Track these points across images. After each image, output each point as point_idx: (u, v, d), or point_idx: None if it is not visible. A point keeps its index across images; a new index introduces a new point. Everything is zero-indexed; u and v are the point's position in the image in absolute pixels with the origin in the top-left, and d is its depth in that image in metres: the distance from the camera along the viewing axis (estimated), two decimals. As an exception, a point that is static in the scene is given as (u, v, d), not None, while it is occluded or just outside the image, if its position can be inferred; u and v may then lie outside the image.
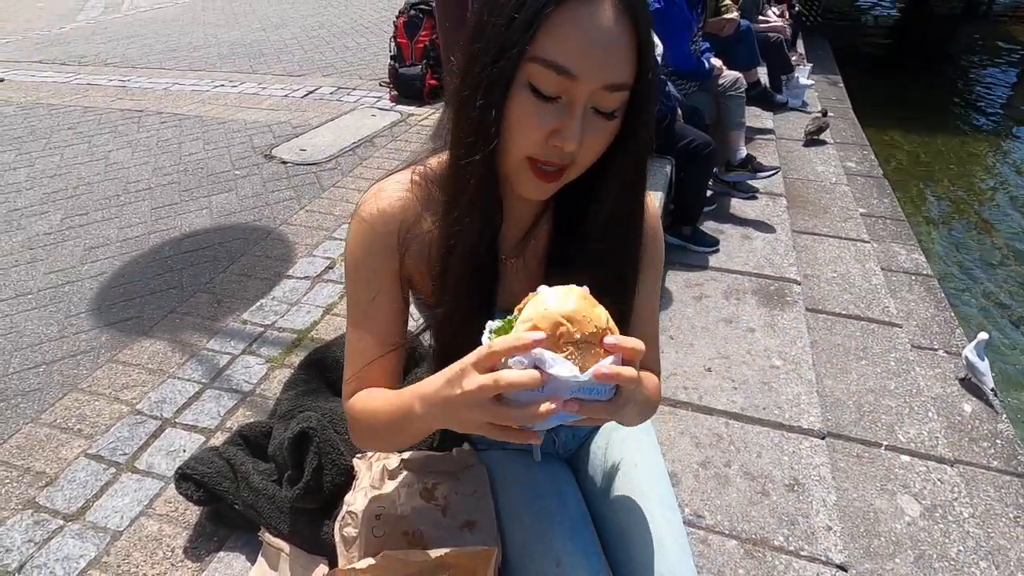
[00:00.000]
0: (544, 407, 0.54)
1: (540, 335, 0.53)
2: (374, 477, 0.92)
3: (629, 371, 0.56)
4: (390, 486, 0.90)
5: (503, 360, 0.55)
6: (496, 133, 0.64)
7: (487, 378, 0.54)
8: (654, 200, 0.82)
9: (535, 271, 0.80)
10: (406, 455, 0.95)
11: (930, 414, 2.05)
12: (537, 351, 0.53)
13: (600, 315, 0.57)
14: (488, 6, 0.63)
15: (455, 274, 0.73)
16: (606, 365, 0.54)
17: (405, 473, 0.93)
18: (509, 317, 0.59)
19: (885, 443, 1.92)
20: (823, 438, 1.80)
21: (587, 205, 0.73)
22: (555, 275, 0.65)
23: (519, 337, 0.54)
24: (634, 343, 0.57)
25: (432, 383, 0.63)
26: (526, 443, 0.59)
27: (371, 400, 0.77)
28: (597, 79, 0.60)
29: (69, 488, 1.41)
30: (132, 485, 1.40)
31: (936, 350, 2.57)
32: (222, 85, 4.69)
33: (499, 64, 0.61)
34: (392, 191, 0.76)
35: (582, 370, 0.54)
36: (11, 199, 3.00)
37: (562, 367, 0.53)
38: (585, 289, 0.60)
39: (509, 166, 0.67)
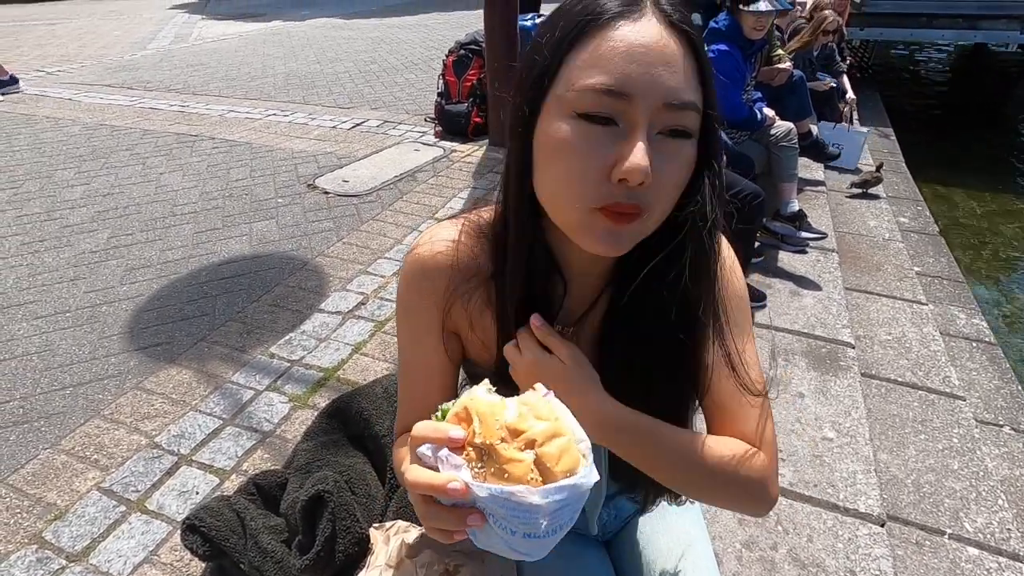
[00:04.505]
0: (461, 517, 0.46)
1: (459, 432, 0.46)
2: (390, 554, 0.83)
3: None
4: (407, 567, 0.81)
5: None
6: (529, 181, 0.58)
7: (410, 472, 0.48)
8: (732, 260, 0.70)
9: (587, 352, 0.67)
10: (427, 529, 0.86)
11: (1000, 501, 1.85)
12: (444, 451, 0.46)
13: (533, 428, 0.45)
14: (528, 54, 0.57)
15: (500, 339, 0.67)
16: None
17: (425, 551, 0.84)
18: (463, 400, 0.50)
19: (949, 531, 1.74)
20: (883, 525, 1.63)
21: (648, 282, 0.61)
22: (609, 361, 0.57)
23: (436, 427, 0.47)
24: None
25: None
26: (451, 540, 0.51)
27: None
28: (656, 94, 0.51)
29: (77, 524, 1.37)
30: (140, 527, 1.35)
31: (1002, 426, 2.37)
32: (274, 114, 4.83)
33: (535, 102, 0.56)
34: (447, 237, 0.69)
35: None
36: (65, 216, 3.09)
37: (462, 472, 0.45)
38: (548, 396, 0.49)
39: (572, 221, 0.56)
